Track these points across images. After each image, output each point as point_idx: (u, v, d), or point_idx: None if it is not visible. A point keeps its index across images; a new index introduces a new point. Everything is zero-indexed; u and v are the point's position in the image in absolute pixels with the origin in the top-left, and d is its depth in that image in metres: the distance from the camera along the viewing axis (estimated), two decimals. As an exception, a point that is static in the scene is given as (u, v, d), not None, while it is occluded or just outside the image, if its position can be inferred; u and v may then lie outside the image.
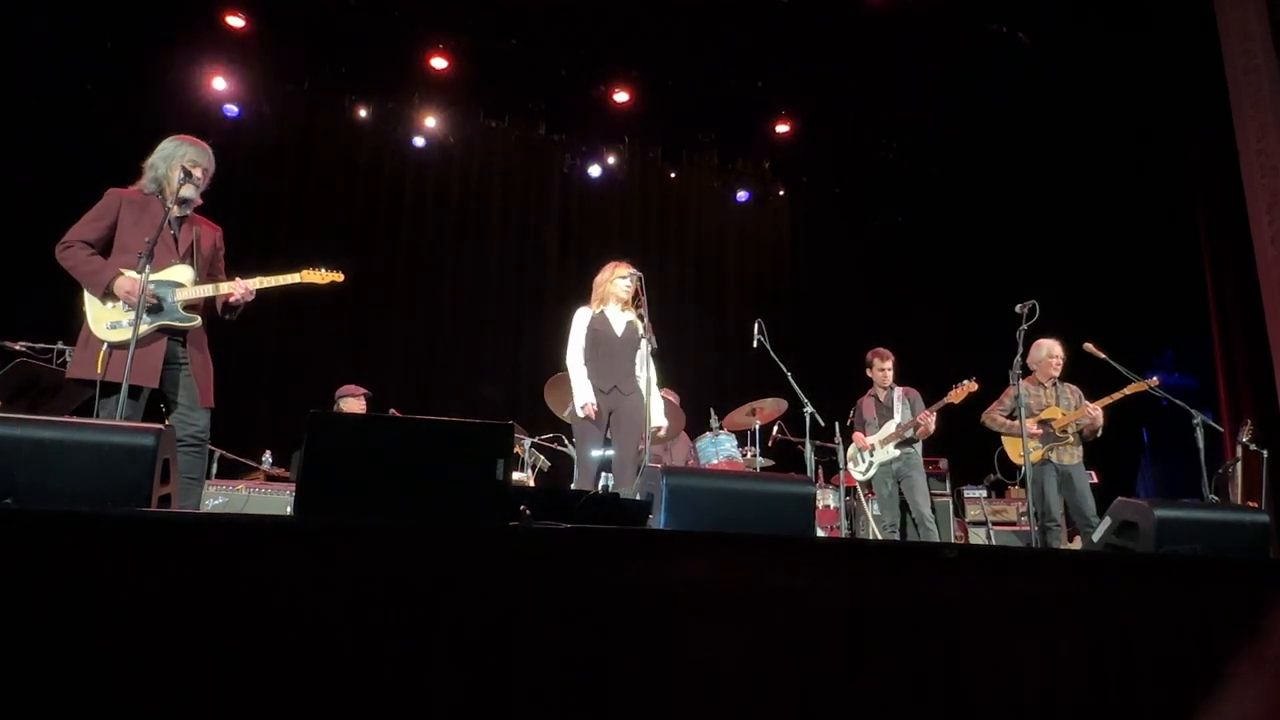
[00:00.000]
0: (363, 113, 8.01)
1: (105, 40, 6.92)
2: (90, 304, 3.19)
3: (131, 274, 3.15)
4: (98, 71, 6.94)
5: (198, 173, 3.36)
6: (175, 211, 3.32)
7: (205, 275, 3.43)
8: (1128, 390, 5.00)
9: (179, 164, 3.34)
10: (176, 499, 2.28)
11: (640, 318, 4.26)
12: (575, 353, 4.36)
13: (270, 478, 5.80)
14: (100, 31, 6.89)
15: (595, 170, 8.89)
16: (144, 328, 3.09)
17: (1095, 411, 5.04)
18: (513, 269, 8.67)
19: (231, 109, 7.56)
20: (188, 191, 3.33)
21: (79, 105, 6.84)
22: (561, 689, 1.66)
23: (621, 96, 8.18)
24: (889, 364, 5.64)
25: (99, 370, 3.06)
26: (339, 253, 7.77)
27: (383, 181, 8.35)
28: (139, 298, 3.01)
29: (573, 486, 4.26)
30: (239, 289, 3.36)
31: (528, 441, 5.94)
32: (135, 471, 1.85)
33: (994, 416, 5.35)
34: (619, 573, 1.81)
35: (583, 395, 4.26)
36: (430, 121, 8.18)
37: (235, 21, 7.15)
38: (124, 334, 3.13)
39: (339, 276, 3.59)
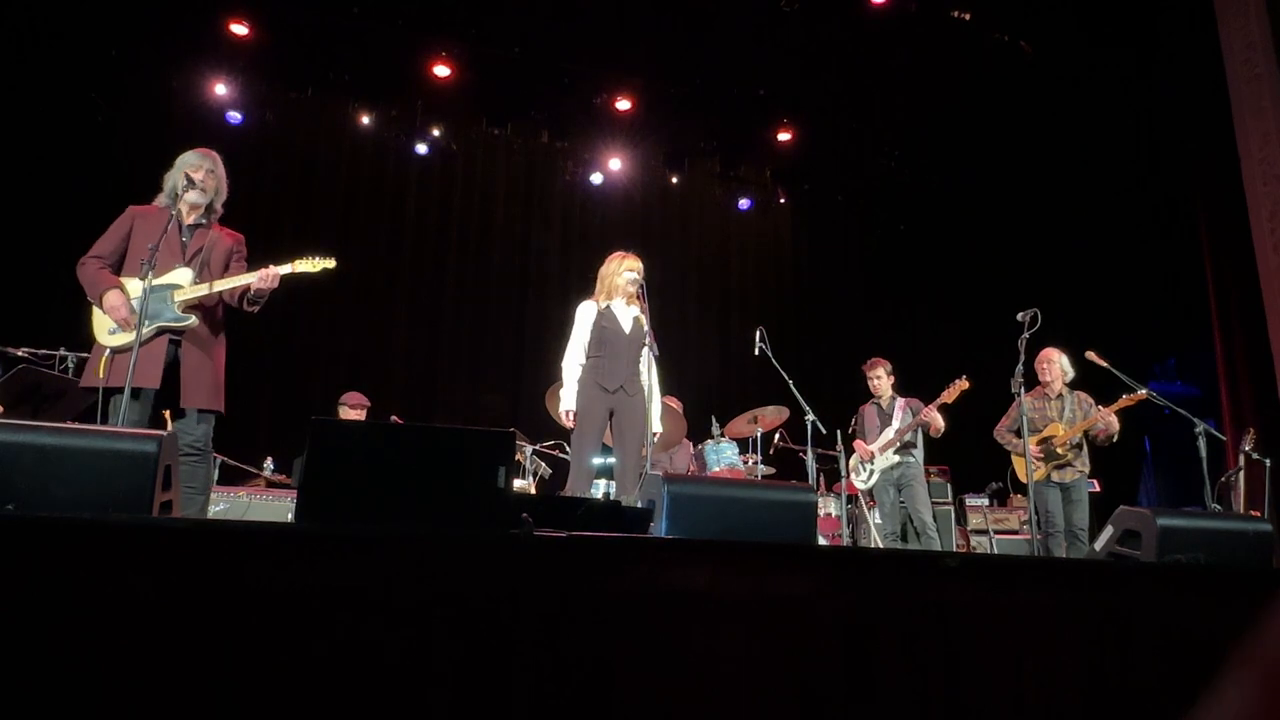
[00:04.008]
0: (365, 120, 8.04)
1: (110, 49, 6.96)
2: (95, 312, 3.27)
3: (130, 281, 3.25)
4: (102, 79, 6.98)
5: (199, 175, 3.40)
6: (188, 218, 3.39)
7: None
8: (1122, 403, 4.91)
9: (181, 171, 3.42)
10: (178, 506, 2.28)
11: (644, 312, 4.09)
12: (575, 350, 4.12)
13: (272, 484, 5.80)
14: (104, 39, 6.92)
15: (597, 178, 8.91)
16: (142, 330, 3.15)
17: (1108, 418, 4.90)
18: (515, 276, 8.68)
19: (235, 116, 7.59)
20: (193, 196, 3.38)
21: (83, 113, 6.87)
22: (562, 697, 1.66)
23: (624, 104, 8.21)
24: (878, 372, 5.62)
25: (101, 375, 3.13)
26: (341, 260, 7.87)
27: (385, 189, 8.38)
28: (140, 309, 3.07)
29: (565, 491, 4.09)
30: (256, 277, 3.38)
31: (529, 449, 5.94)
32: (137, 478, 1.86)
33: (1003, 434, 5.27)
34: (620, 581, 1.80)
35: (569, 401, 4.04)
36: (434, 130, 8.21)
37: (239, 29, 7.19)
38: (124, 338, 3.21)
39: (330, 263, 3.59)
